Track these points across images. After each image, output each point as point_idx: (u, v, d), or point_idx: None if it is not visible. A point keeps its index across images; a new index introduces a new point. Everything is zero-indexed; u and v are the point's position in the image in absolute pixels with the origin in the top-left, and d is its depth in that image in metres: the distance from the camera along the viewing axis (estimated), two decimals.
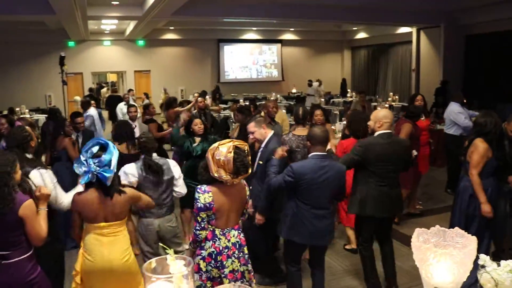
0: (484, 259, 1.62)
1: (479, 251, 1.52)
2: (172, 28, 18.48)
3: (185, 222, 5.44)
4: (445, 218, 5.70)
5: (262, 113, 6.78)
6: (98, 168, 2.95)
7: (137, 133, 6.47)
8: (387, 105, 13.12)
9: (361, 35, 21.32)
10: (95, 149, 3.03)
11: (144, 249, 4.04)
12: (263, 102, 9.48)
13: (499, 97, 13.09)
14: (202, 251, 3.01)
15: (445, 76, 15.42)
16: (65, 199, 3.39)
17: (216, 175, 2.86)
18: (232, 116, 10.61)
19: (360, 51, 22.41)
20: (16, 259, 2.71)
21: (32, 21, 14.45)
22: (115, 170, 3.06)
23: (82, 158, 3.00)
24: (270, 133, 4.35)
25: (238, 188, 3.05)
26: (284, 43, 21.68)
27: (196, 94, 10.73)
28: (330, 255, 5.06)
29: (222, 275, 2.98)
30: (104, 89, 21.56)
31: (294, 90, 19.09)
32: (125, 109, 9.41)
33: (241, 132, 5.71)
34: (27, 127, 3.62)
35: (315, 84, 17.71)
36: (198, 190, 2.95)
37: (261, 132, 4.33)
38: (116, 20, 15.20)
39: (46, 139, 6.39)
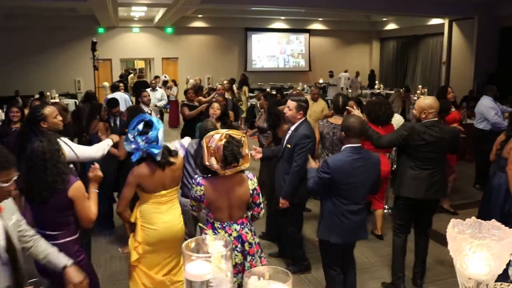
0: None
1: None
2: (200, 16, 18.52)
3: None
4: (474, 213, 5.62)
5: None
6: (146, 145, 3.12)
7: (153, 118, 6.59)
8: (415, 98, 12.89)
9: (391, 26, 20.95)
10: (141, 126, 3.17)
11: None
12: (291, 91, 9.48)
13: None
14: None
15: (477, 70, 15.07)
16: (88, 151, 3.66)
17: (207, 163, 2.76)
18: (258, 105, 10.63)
19: (389, 42, 22.05)
20: (64, 240, 2.78)
21: (64, 8, 14.71)
22: (163, 143, 3.22)
23: (130, 136, 3.15)
24: (301, 119, 4.29)
25: (236, 181, 2.87)
26: (312, 33, 21.50)
27: (225, 82, 10.74)
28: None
29: None
30: (131, 75, 21.78)
31: (321, 81, 18.92)
32: (158, 93, 9.62)
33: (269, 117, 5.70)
34: (47, 109, 3.69)
35: (345, 74, 17.66)
36: (194, 180, 2.92)
37: (294, 114, 4.26)
38: (146, 7, 15.32)
39: (79, 123, 6.54)
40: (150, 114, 6.53)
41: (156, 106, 8.50)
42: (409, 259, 4.29)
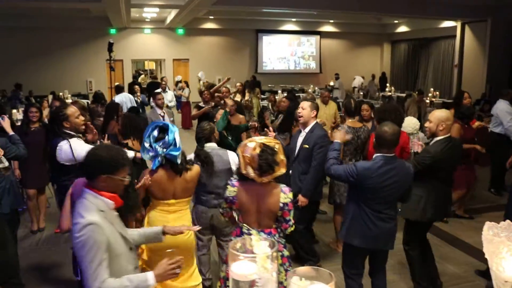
0: None
1: None
2: (211, 17, 18.59)
3: None
4: (490, 217, 5.58)
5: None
6: (164, 150, 3.10)
7: (167, 120, 6.62)
8: (428, 101, 12.85)
9: (402, 28, 20.90)
10: (156, 132, 3.15)
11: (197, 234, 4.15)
12: (304, 95, 9.48)
13: None
14: None
15: (490, 73, 14.98)
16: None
17: (244, 172, 2.79)
18: (270, 106, 10.64)
19: (401, 45, 21.98)
20: None
21: (77, 9, 14.82)
22: (181, 147, 3.19)
23: (146, 145, 3.12)
24: (314, 120, 4.41)
25: (268, 189, 2.87)
26: (323, 35, 21.49)
27: (238, 84, 10.76)
28: None
29: None
30: (142, 76, 21.91)
31: (331, 83, 18.87)
32: (173, 96, 9.72)
33: (287, 118, 5.74)
34: (70, 109, 3.75)
35: (358, 77, 17.66)
36: (229, 181, 2.96)
37: (309, 113, 4.34)
38: (157, 9, 15.41)
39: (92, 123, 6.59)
40: (163, 116, 6.60)
41: (167, 107, 8.58)
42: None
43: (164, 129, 3.17)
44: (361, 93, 16.10)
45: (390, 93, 16.09)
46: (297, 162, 4.41)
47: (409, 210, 3.97)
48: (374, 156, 3.35)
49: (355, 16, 18.26)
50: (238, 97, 9.47)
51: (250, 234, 2.87)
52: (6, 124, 3.58)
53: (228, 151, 4.07)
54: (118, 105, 6.23)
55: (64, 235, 4.47)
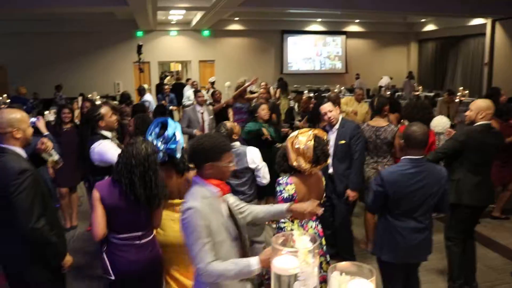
0: None
1: None
2: (237, 18, 18.64)
3: None
4: None
5: None
6: (165, 145, 3.07)
7: (205, 117, 6.71)
8: (457, 100, 12.60)
9: (430, 27, 20.53)
10: (158, 129, 3.15)
11: None
12: (328, 93, 9.45)
13: None
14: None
15: None
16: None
17: (295, 164, 2.85)
18: (296, 107, 10.62)
19: (428, 44, 21.61)
20: (150, 237, 2.95)
21: (104, 12, 15.11)
22: (182, 142, 3.14)
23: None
24: (340, 116, 4.53)
25: (315, 179, 3.01)
26: (348, 35, 21.31)
27: (263, 84, 10.77)
28: None
29: None
30: (168, 78, 22.16)
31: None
32: (192, 95, 9.83)
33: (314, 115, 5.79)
34: (104, 109, 3.86)
35: (386, 78, 17.46)
36: (280, 182, 2.95)
37: (337, 112, 4.43)
38: (184, 11, 15.54)
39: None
40: (203, 113, 6.70)
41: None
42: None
43: (164, 125, 3.15)
44: (388, 92, 15.88)
45: (417, 93, 15.85)
46: (335, 160, 4.44)
47: (463, 198, 3.93)
48: (401, 159, 3.20)
49: (381, 16, 18.05)
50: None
51: (302, 226, 2.95)
52: (41, 124, 3.68)
53: (248, 149, 4.09)
54: (144, 106, 6.33)
55: None
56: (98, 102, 11.61)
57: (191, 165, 3.16)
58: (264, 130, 5.38)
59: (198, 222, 2.15)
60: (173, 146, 3.06)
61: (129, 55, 17.75)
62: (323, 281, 2.79)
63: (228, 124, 4.19)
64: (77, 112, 6.82)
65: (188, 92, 11.92)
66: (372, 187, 3.22)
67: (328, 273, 1.18)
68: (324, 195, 3.35)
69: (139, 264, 2.86)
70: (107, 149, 3.69)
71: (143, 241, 2.88)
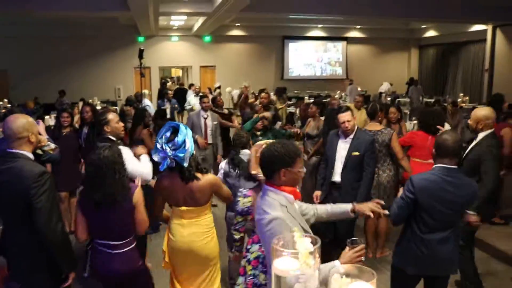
0: None
1: None
2: (238, 24, 18.69)
3: None
4: None
5: None
6: (173, 152, 3.01)
7: (208, 123, 6.69)
8: (462, 107, 12.59)
9: (430, 33, 20.57)
10: (168, 133, 3.09)
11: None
12: (329, 100, 9.46)
13: None
14: (248, 254, 2.91)
15: None
16: (143, 170, 3.51)
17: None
18: (297, 112, 10.62)
19: (429, 50, 21.65)
20: (126, 249, 2.89)
21: (105, 17, 15.14)
22: (191, 151, 3.07)
23: (158, 145, 3.07)
24: (356, 125, 4.47)
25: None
26: (349, 40, 21.36)
27: (264, 94, 10.78)
28: None
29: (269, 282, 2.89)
30: (169, 83, 22.18)
31: (358, 89, 18.71)
32: (193, 100, 9.82)
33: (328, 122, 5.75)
34: (111, 114, 3.82)
35: (386, 84, 17.44)
36: (239, 193, 2.93)
37: (354, 122, 4.40)
38: (185, 16, 15.58)
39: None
40: (206, 118, 6.68)
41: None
42: None
43: (176, 130, 3.09)
44: (389, 98, 15.88)
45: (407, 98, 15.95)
46: (346, 171, 4.36)
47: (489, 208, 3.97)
48: (433, 167, 3.08)
49: (381, 21, 18.08)
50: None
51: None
52: (41, 128, 3.65)
53: None
54: (145, 111, 6.33)
55: None
56: (98, 107, 11.66)
57: (198, 175, 3.10)
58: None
59: (284, 232, 2.09)
60: (181, 154, 3.00)
61: (130, 60, 17.80)
62: None
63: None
64: (77, 117, 6.80)
65: (190, 97, 11.94)
66: (402, 194, 3.08)
67: (329, 277, 1.16)
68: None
69: (114, 273, 2.86)
70: (130, 159, 3.51)
71: (115, 251, 2.85)
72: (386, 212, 2.67)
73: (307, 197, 4.70)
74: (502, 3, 13.27)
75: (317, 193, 4.58)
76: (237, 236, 3.11)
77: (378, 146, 4.91)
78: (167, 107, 10.23)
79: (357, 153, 4.30)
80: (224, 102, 14.11)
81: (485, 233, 5.62)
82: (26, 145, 2.72)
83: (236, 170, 4.03)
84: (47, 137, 3.43)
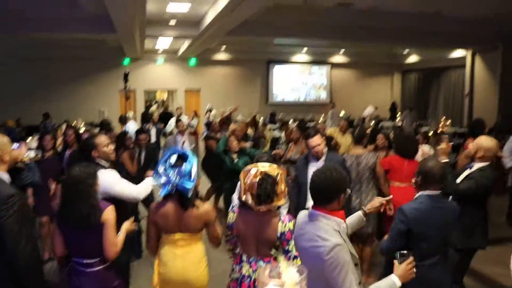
0: None
1: None
2: (223, 48, 18.82)
3: None
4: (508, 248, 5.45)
5: None
6: (179, 179, 2.90)
7: (186, 146, 6.66)
8: (439, 131, 12.75)
9: (413, 58, 21.02)
10: (174, 158, 2.98)
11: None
12: (314, 124, 9.52)
13: None
14: (232, 275, 2.96)
15: (502, 102, 14.92)
16: (132, 191, 3.49)
17: (243, 198, 2.70)
18: (283, 135, 10.63)
19: (411, 74, 22.06)
20: (100, 267, 2.84)
21: (92, 39, 15.14)
22: (195, 180, 2.98)
23: (161, 169, 2.96)
24: (325, 148, 4.52)
25: (268, 218, 2.79)
26: (333, 65, 21.66)
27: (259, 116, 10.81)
28: None
29: None
30: (154, 107, 22.11)
31: (342, 113, 18.87)
32: (174, 123, 9.81)
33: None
34: (99, 138, 3.77)
35: (370, 108, 17.59)
36: (233, 208, 2.95)
37: (324, 145, 4.43)
38: (171, 39, 15.67)
39: None
40: (184, 142, 6.64)
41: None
42: None
43: (183, 158, 2.98)
44: (372, 122, 16.03)
45: (401, 123, 16.05)
46: None
47: (467, 239, 3.84)
48: (417, 195, 3.07)
49: (365, 47, 18.41)
50: (250, 131, 9.44)
51: (250, 263, 2.82)
52: (23, 150, 3.60)
53: None
54: (126, 133, 6.29)
55: None
56: (82, 130, 11.56)
57: (197, 203, 3.01)
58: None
59: (346, 258, 2.15)
60: (188, 186, 2.89)
61: (115, 83, 17.74)
62: None
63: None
64: (60, 140, 6.71)
65: (171, 120, 11.88)
66: (393, 226, 3.05)
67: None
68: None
69: None
70: (116, 180, 3.48)
71: (88, 269, 2.83)
72: (391, 196, 2.97)
73: None
74: (480, 31, 13.64)
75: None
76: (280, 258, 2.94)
77: (361, 170, 4.99)
78: (152, 130, 10.12)
79: None
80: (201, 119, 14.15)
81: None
82: (0, 165, 2.75)
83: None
84: (35, 171, 3.38)
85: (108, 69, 18.46)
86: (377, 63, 21.85)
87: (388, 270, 3.06)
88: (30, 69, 17.23)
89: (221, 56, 19.83)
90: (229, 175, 5.73)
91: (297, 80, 21.41)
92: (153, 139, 8.92)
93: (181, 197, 2.96)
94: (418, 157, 5.46)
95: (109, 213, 2.84)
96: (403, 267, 2.27)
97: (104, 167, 3.57)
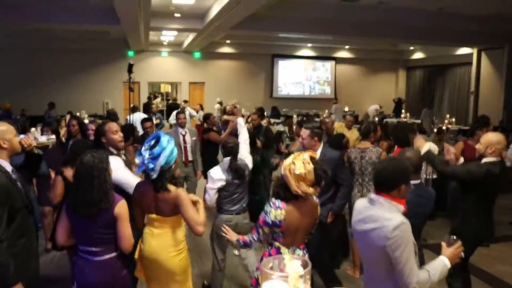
0: None
1: None
2: (228, 41, 18.78)
3: None
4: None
5: None
6: (148, 160, 3.02)
7: (187, 139, 6.63)
8: (444, 128, 12.70)
9: (418, 55, 20.92)
10: (153, 142, 3.09)
11: (215, 244, 4.35)
12: (321, 118, 9.44)
13: None
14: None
15: (507, 100, 14.86)
16: (132, 181, 3.48)
17: (297, 190, 2.74)
18: (287, 130, 10.61)
19: (416, 71, 21.97)
20: (107, 256, 2.83)
21: (96, 31, 15.14)
22: (165, 164, 3.03)
23: (142, 150, 3.10)
24: (320, 145, 4.39)
25: (311, 206, 2.90)
26: (338, 60, 21.58)
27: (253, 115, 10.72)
28: None
29: None
30: (158, 99, 22.09)
31: (346, 109, 18.86)
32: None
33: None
34: (107, 125, 3.84)
35: (375, 106, 17.55)
36: (271, 204, 2.84)
37: (309, 141, 4.32)
38: (175, 32, 15.64)
39: None
40: (185, 135, 6.60)
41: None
42: None
43: (157, 141, 3.09)
44: (376, 118, 16.01)
45: (405, 119, 16.00)
46: None
47: (469, 230, 3.80)
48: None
49: (370, 43, 18.34)
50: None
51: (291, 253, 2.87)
52: (31, 137, 3.60)
53: (245, 159, 4.43)
54: (132, 126, 6.26)
55: None
56: (86, 121, 11.58)
57: (170, 187, 3.07)
58: None
59: (410, 237, 2.25)
60: (150, 165, 3.00)
61: (119, 75, 17.74)
62: None
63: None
64: (63, 130, 6.71)
65: (174, 112, 11.89)
66: None
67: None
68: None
69: (94, 281, 2.80)
70: (119, 167, 3.49)
71: (95, 258, 2.81)
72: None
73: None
74: (487, 28, 13.55)
75: None
76: (255, 246, 3.05)
77: (364, 163, 5.02)
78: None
79: None
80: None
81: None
82: None
83: (235, 179, 4.21)
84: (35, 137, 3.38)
85: (112, 60, 18.47)
86: (382, 59, 21.77)
87: None
88: (35, 60, 17.30)
89: (226, 49, 19.79)
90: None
91: (302, 74, 21.37)
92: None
93: (153, 180, 3.06)
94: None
95: (122, 207, 2.83)
96: (452, 251, 2.39)
97: (112, 154, 3.61)
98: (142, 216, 3.27)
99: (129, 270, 3.10)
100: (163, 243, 3.14)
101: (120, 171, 3.48)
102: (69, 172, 3.81)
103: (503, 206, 7.42)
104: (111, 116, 8.24)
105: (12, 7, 10.84)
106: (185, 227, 3.24)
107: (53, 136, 3.19)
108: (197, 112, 14.10)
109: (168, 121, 12.42)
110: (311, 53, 20.91)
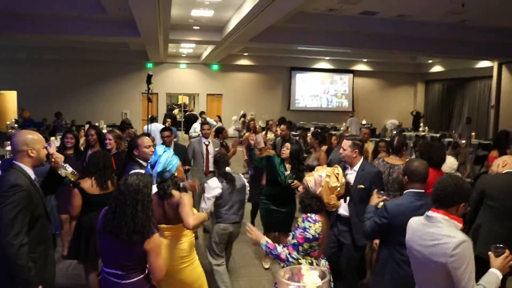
0: None
1: None
2: (246, 54, 18.92)
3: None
4: None
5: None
6: (148, 168, 3.24)
7: (210, 150, 6.65)
8: (463, 141, 12.51)
9: (437, 68, 20.73)
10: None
11: (213, 247, 4.45)
12: (341, 133, 9.37)
13: None
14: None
15: None
16: None
17: (330, 202, 2.90)
18: (302, 143, 10.54)
19: (435, 85, 21.75)
20: (135, 278, 2.68)
21: (116, 43, 15.38)
22: (162, 171, 3.16)
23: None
24: (360, 158, 4.23)
25: (326, 218, 2.98)
26: (356, 73, 21.52)
27: (270, 122, 10.66)
28: None
29: None
30: (176, 111, 22.28)
31: (364, 122, 18.74)
32: (198, 127, 9.78)
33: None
34: (141, 139, 4.05)
35: (393, 121, 17.42)
36: (310, 219, 2.84)
37: (349, 153, 4.18)
38: (194, 44, 15.80)
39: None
40: (208, 145, 6.63)
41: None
42: None
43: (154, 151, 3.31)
44: (394, 132, 15.85)
45: (424, 133, 15.82)
46: (352, 203, 4.11)
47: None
48: (405, 192, 3.28)
49: (389, 56, 18.25)
50: (270, 134, 9.37)
51: (318, 265, 2.89)
52: (53, 150, 3.61)
53: (239, 174, 4.72)
54: (149, 135, 6.30)
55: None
56: (104, 131, 11.70)
57: (174, 193, 3.17)
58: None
59: (472, 255, 2.26)
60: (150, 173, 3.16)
61: (138, 86, 18.00)
62: None
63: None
64: (82, 140, 6.78)
65: (195, 124, 11.99)
66: (375, 218, 3.24)
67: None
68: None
69: None
70: None
71: (123, 281, 2.65)
72: None
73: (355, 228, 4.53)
74: (507, 41, 13.38)
75: None
76: (302, 261, 2.98)
77: (391, 180, 4.76)
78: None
79: (362, 186, 4.08)
80: (229, 132, 14.23)
81: None
82: (25, 159, 2.80)
83: (229, 186, 4.43)
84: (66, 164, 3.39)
85: (131, 72, 18.75)
86: (400, 73, 21.63)
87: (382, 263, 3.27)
88: (56, 71, 17.70)
89: (244, 62, 19.91)
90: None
91: (319, 87, 21.36)
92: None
93: (157, 188, 3.18)
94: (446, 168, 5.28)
95: (153, 242, 2.64)
96: (501, 261, 2.35)
97: (143, 167, 3.77)
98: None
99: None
100: (174, 254, 3.18)
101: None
102: (86, 184, 3.85)
103: None
104: (126, 124, 8.33)
105: (36, 20, 11.11)
106: (193, 239, 3.33)
107: (70, 169, 3.22)
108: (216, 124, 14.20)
109: (188, 134, 12.48)
110: (329, 66, 20.90)
